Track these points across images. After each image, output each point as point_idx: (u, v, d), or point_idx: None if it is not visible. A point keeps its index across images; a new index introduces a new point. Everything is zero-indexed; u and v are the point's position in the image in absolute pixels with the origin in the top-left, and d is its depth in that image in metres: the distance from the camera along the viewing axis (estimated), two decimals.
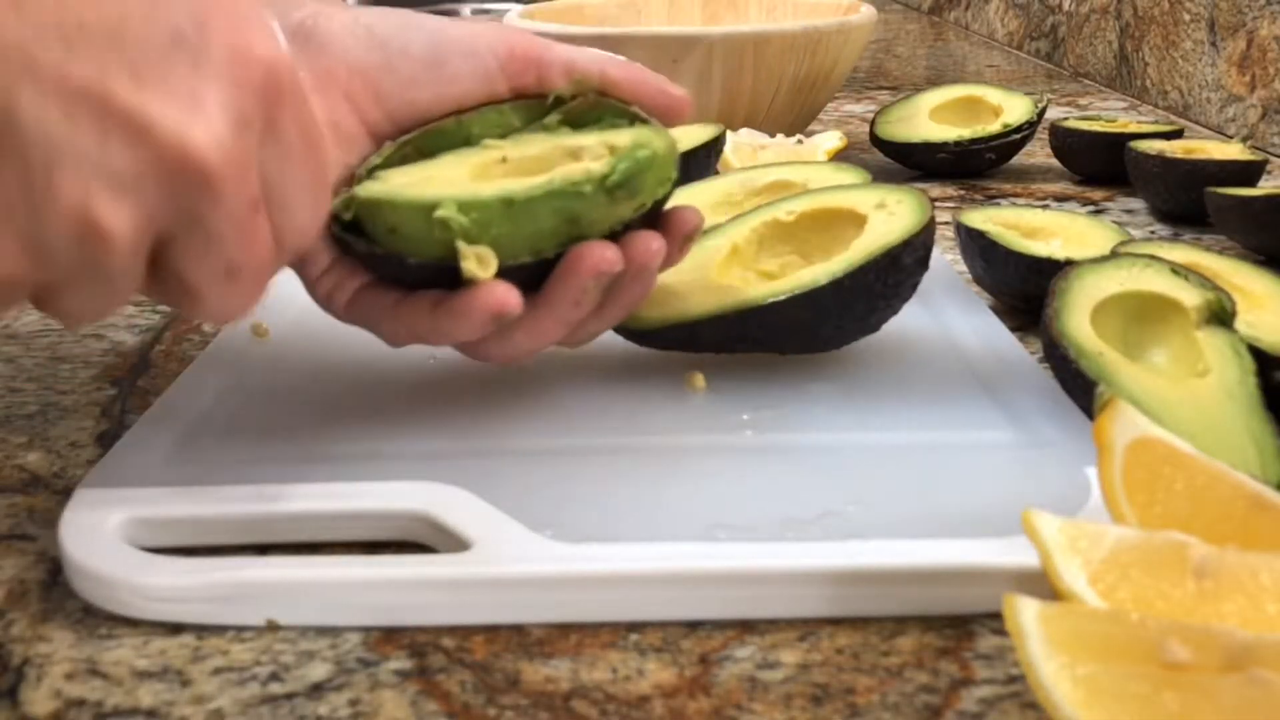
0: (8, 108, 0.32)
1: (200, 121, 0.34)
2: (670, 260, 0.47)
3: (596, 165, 0.44)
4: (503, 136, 0.48)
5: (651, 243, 0.45)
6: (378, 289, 0.45)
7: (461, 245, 0.42)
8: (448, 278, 0.43)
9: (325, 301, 0.47)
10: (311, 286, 0.47)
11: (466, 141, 0.48)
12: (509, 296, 0.42)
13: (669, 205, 0.47)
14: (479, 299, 0.42)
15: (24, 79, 0.32)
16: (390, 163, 0.47)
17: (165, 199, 0.34)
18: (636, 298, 0.47)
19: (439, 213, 0.42)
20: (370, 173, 0.46)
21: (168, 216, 0.35)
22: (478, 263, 0.43)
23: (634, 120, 0.48)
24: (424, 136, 0.47)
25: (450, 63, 0.46)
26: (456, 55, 0.47)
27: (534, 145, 0.47)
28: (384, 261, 0.44)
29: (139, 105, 0.33)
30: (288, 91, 0.36)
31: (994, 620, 0.38)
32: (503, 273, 0.43)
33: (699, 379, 0.51)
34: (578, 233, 0.44)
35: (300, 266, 0.46)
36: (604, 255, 0.43)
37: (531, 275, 0.44)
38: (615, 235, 0.45)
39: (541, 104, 0.48)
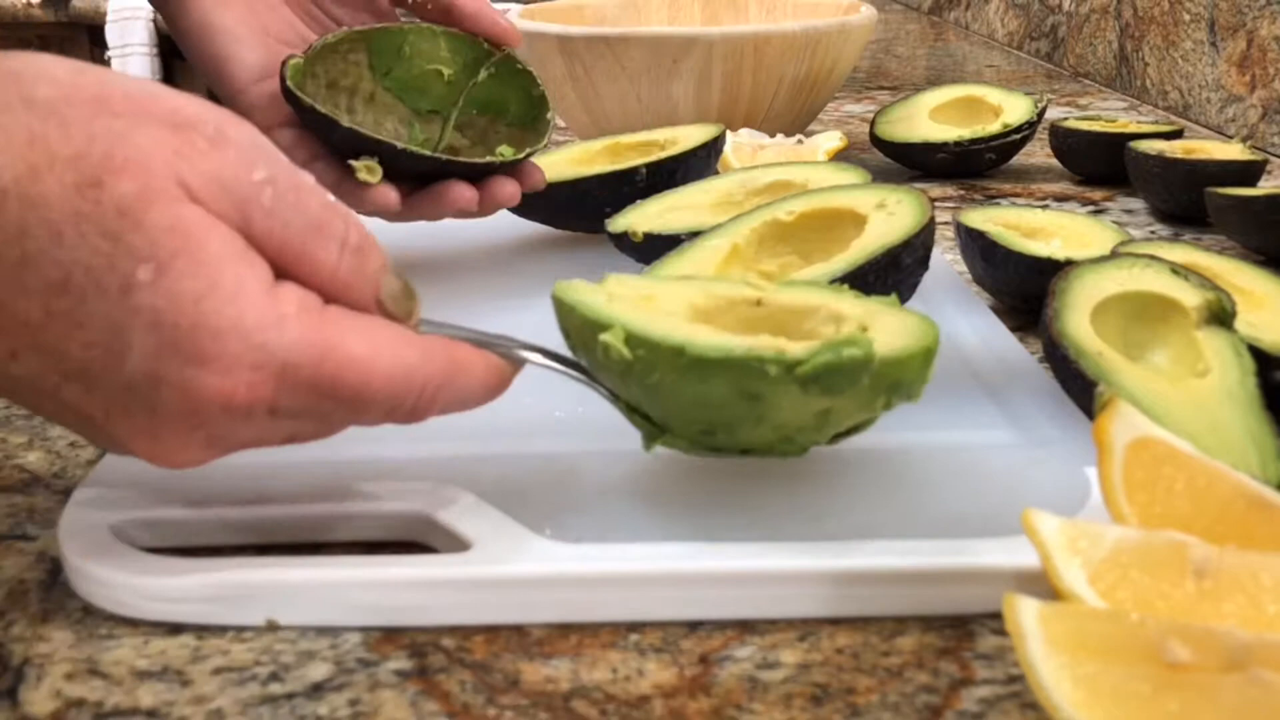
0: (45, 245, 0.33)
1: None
2: None
3: (794, 347, 0.38)
4: (430, 65, 0.61)
5: None
6: (302, 137, 0.59)
7: (354, 163, 0.57)
8: (364, 148, 0.57)
9: (247, 112, 0.57)
10: (236, 96, 0.59)
11: (399, 50, 0.62)
12: (389, 197, 0.57)
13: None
14: (369, 196, 0.57)
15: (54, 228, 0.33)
16: (340, 46, 0.60)
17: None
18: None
19: (604, 336, 0.40)
20: (318, 50, 0.59)
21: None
22: (367, 172, 0.57)
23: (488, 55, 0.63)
24: (371, 31, 0.62)
25: None
26: None
27: (799, 293, 0.44)
28: (315, 119, 0.57)
29: (120, 437, 0.36)
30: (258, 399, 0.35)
31: (994, 620, 0.38)
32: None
33: None
34: (759, 412, 0.39)
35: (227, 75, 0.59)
36: (463, 194, 0.59)
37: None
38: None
39: (473, 41, 0.63)
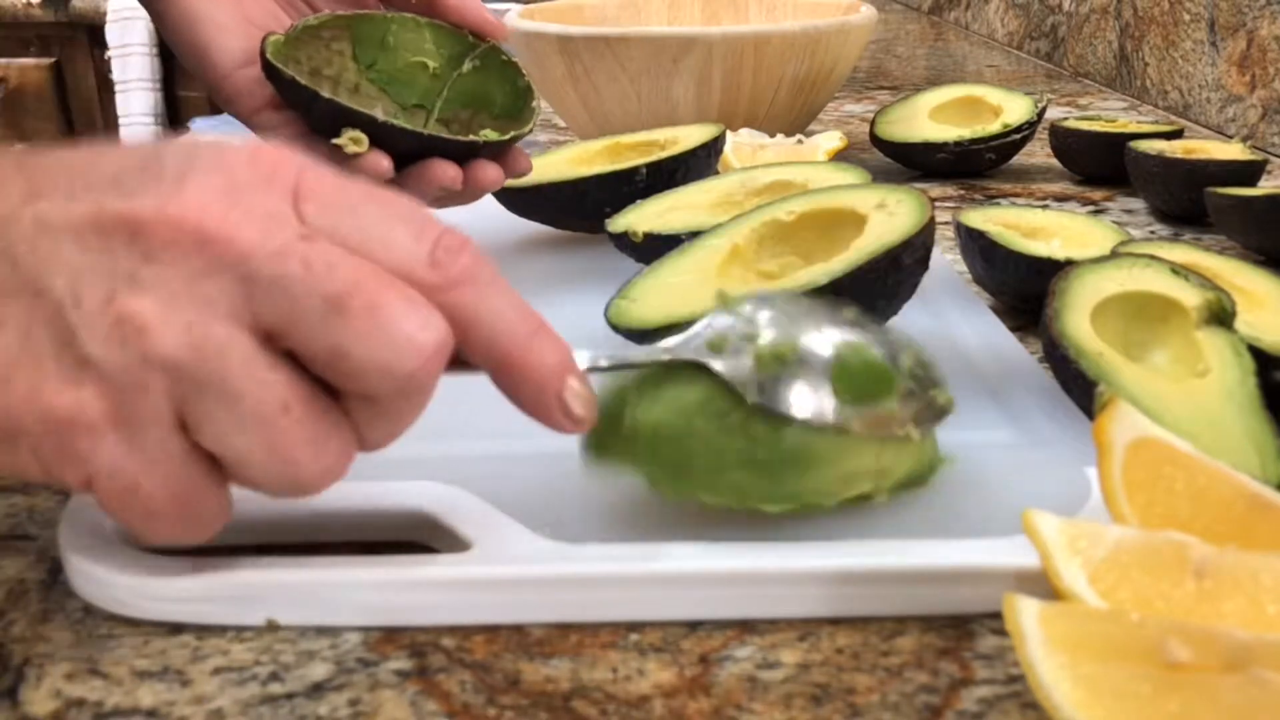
0: (33, 264, 0.33)
1: (180, 196, 0.33)
2: None
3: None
4: (415, 58, 0.62)
5: None
6: (287, 116, 0.59)
7: (338, 140, 0.57)
8: (346, 122, 0.57)
9: (230, 99, 0.58)
10: (220, 82, 0.59)
11: (383, 40, 0.62)
12: (380, 164, 0.57)
13: None
14: (359, 167, 0.57)
15: (40, 235, 0.33)
16: (323, 31, 0.61)
17: (178, 269, 0.33)
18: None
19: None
20: (299, 31, 0.59)
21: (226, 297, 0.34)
22: (353, 143, 0.57)
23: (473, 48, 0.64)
24: (354, 18, 0.62)
25: None
26: None
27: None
28: (295, 93, 0.57)
29: (127, 208, 0.33)
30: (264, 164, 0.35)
31: (994, 620, 0.38)
32: None
33: None
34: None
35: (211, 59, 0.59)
36: (447, 173, 0.58)
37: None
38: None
39: (458, 34, 0.63)
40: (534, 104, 0.63)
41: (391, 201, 0.36)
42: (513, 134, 0.61)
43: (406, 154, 0.58)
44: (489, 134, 0.61)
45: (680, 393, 0.39)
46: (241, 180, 0.34)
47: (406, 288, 0.34)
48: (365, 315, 0.33)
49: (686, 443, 0.39)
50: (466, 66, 0.64)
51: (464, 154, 0.60)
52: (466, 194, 0.61)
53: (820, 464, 0.39)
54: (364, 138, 0.57)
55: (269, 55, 0.57)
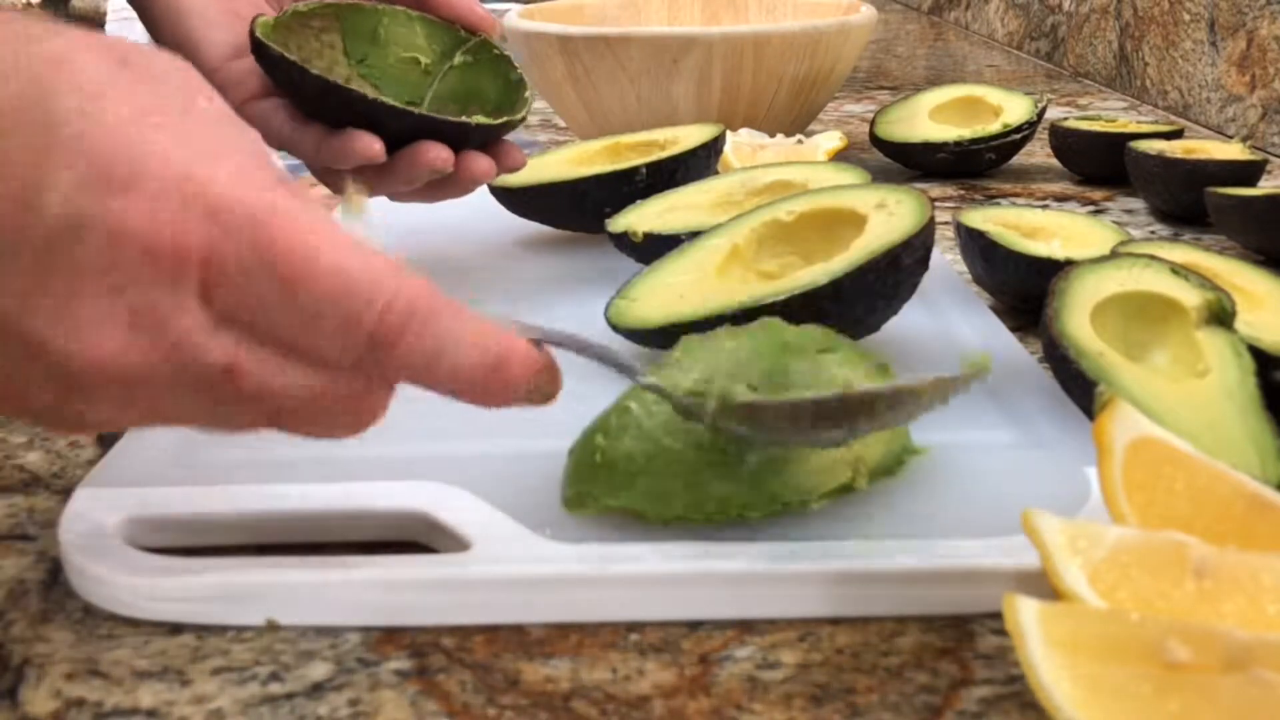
0: None
1: (74, 332, 0.31)
2: None
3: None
4: (406, 53, 0.61)
5: None
6: (277, 103, 0.57)
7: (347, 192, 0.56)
8: (336, 100, 0.55)
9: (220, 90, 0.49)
10: (209, 75, 0.53)
11: (374, 34, 0.61)
12: (373, 145, 0.55)
13: None
14: (352, 148, 0.55)
15: None
16: (313, 20, 0.59)
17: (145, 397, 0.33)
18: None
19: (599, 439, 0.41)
20: (288, 18, 0.58)
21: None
22: (356, 194, 0.52)
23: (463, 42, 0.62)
24: (344, 7, 0.60)
25: None
26: None
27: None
28: (285, 71, 0.55)
29: (25, 329, 0.31)
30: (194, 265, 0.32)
31: (994, 620, 0.38)
32: None
33: None
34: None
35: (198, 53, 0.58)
36: (439, 154, 0.56)
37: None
38: None
39: (450, 28, 0.62)
40: (526, 93, 0.62)
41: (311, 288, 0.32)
42: (505, 119, 0.59)
43: (398, 135, 0.57)
44: (480, 117, 0.59)
45: (644, 419, 0.40)
46: (145, 295, 0.31)
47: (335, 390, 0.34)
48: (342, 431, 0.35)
49: (659, 465, 0.40)
50: (458, 60, 0.63)
51: (456, 137, 0.58)
52: (457, 185, 0.60)
53: (794, 461, 0.40)
54: (366, 191, 0.57)
55: (258, 34, 0.55)
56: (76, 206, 0.30)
